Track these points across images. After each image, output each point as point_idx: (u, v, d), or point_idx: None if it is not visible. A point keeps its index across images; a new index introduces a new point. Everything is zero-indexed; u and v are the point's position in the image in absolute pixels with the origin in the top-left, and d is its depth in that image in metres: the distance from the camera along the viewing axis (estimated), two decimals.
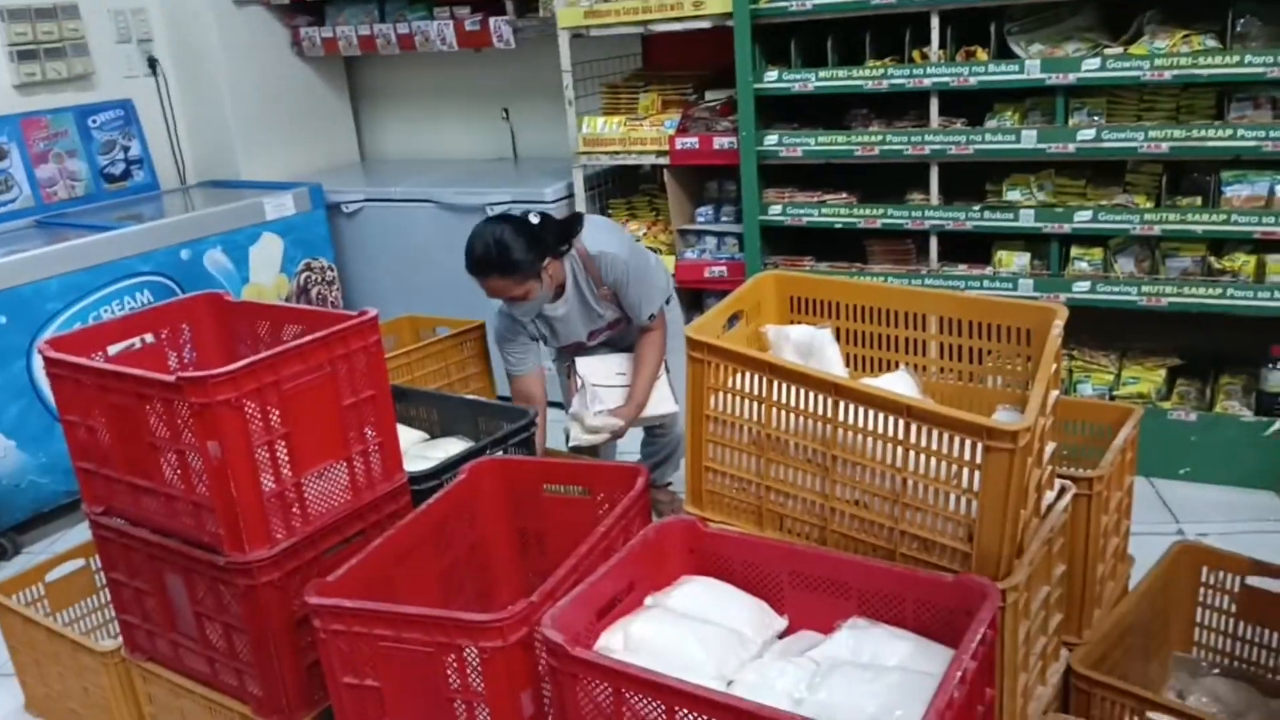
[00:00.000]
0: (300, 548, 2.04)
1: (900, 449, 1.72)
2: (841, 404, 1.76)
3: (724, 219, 3.97)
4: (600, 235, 2.87)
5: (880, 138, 3.48)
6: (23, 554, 3.65)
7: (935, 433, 1.68)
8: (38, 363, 3.48)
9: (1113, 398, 3.40)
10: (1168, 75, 3.07)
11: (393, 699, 1.79)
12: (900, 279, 3.56)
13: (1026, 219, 3.34)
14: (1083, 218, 3.27)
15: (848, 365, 2.13)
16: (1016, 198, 3.39)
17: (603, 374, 3.01)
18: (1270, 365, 3.24)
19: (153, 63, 4.70)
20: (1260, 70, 2.95)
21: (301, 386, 2.00)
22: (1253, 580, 2.27)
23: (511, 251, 2.65)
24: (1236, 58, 2.97)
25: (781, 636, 1.80)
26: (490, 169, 4.80)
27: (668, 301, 3.05)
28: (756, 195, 3.70)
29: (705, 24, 3.63)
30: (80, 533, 3.58)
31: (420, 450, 2.66)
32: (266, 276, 4.31)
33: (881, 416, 1.72)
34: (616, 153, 3.97)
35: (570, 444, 2.96)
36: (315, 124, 5.11)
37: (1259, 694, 2.24)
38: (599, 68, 4.21)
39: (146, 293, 3.88)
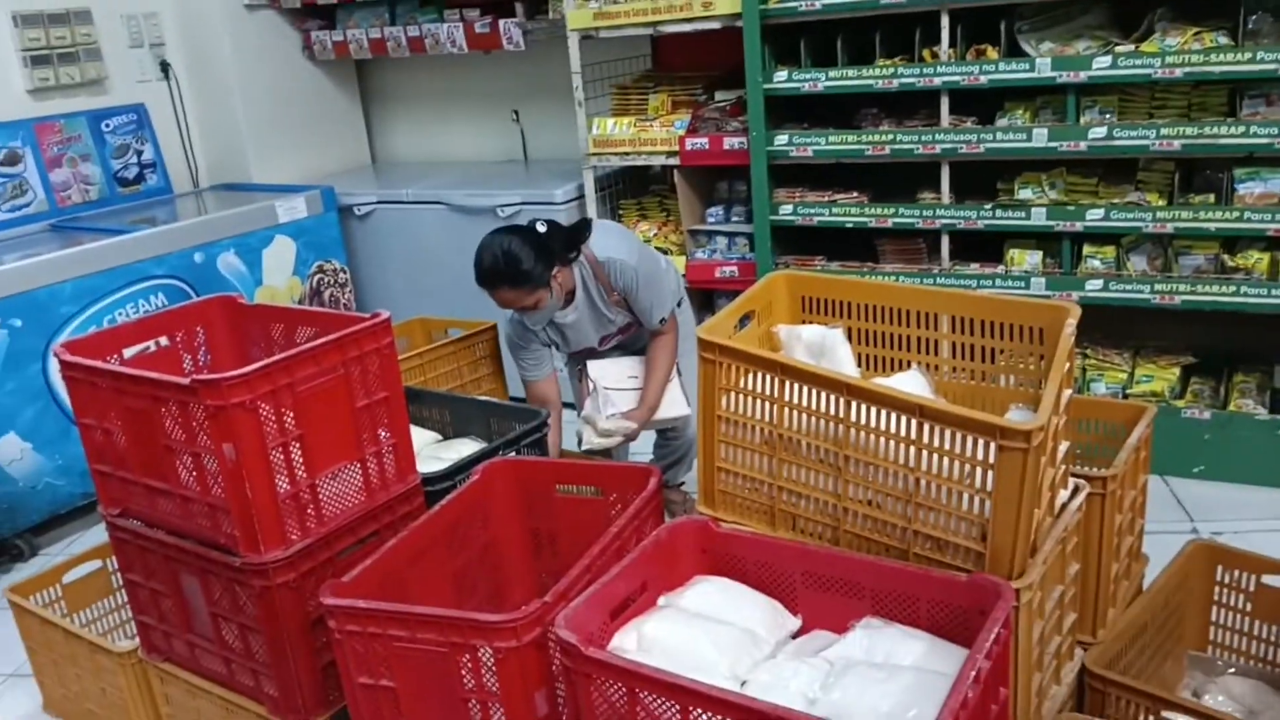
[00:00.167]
0: (315, 549, 2.05)
1: (913, 449, 1.72)
2: (854, 404, 1.76)
3: (735, 219, 3.97)
4: (609, 241, 2.87)
5: (891, 137, 3.47)
6: (40, 555, 3.68)
7: (948, 432, 1.67)
8: (54, 366, 3.51)
9: (1126, 396, 3.39)
10: (1179, 73, 3.06)
11: (408, 699, 1.79)
12: (912, 278, 3.56)
13: (1038, 217, 3.34)
14: (1095, 216, 3.26)
15: (860, 365, 2.13)
16: (1028, 196, 3.39)
17: (615, 377, 3.02)
18: None
19: (165, 67, 4.72)
20: (1272, 67, 2.94)
21: (315, 389, 2.01)
22: (1268, 579, 2.27)
23: (520, 262, 2.65)
24: (1248, 55, 2.96)
25: (795, 636, 1.80)
26: (501, 171, 4.81)
27: (679, 304, 3.05)
28: (767, 195, 3.70)
29: (715, 24, 3.63)
30: (97, 534, 3.60)
31: (433, 451, 2.67)
32: (279, 279, 4.33)
33: (894, 416, 1.72)
34: (627, 154, 3.98)
35: (583, 447, 2.96)
36: (326, 127, 5.14)
37: (1275, 692, 2.23)
38: (609, 69, 4.22)
39: (161, 296, 3.90)
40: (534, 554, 2.31)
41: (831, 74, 3.49)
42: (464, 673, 1.72)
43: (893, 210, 3.55)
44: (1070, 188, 3.36)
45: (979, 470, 1.66)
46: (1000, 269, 3.49)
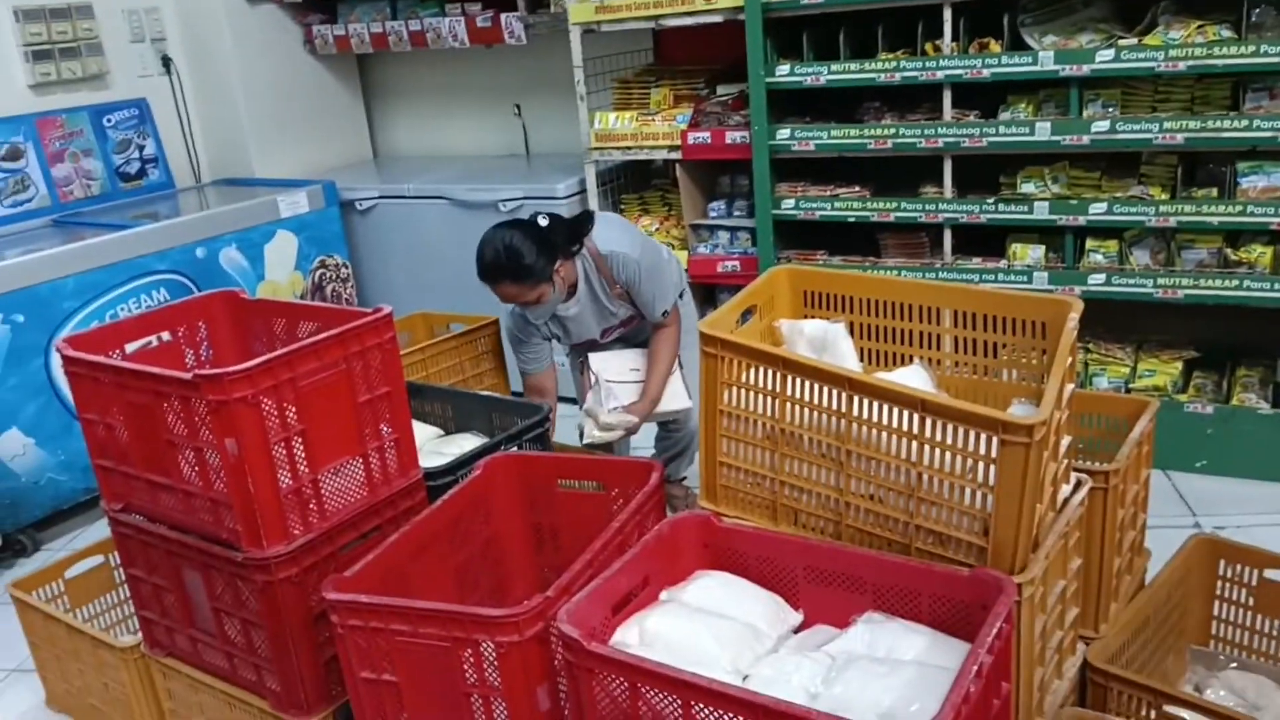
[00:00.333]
0: (317, 543, 2.05)
1: (915, 443, 1.71)
2: (856, 398, 1.76)
3: (736, 213, 3.97)
4: (611, 233, 2.87)
5: (893, 131, 3.47)
6: (42, 551, 3.68)
7: (950, 427, 1.67)
8: (56, 361, 3.51)
9: (1129, 391, 3.38)
10: (1182, 66, 3.05)
11: (410, 694, 1.80)
12: (914, 273, 3.55)
13: (1041, 211, 3.33)
14: (1097, 210, 3.25)
15: (862, 360, 2.13)
16: (1030, 190, 3.38)
17: (616, 370, 3.02)
18: None
19: (167, 62, 4.72)
20: (1276, 60, 2.93)
21: (317, 383, 2.01)
22: (1271, 573, 2.27)
23: (523, 257, 2.65)
24: (1252, 48, 2.95)
25: (797, 631, 1.80)
26: (502, 165, 4.80)
27: (680, 295, 3.04)
28: (769, 189, 3.69)
29: (717, 18, 3.62)
30: (99, 529, 3.61)
31: (435, 446, 2.67)
32: (281, 274, 4.33)
33: (896, 411, 1.72)
34: (629, 148, 3.97)
35: (585, 441, 2.96)
36: (328, 121, 5.13)
37: (1278, 687, 2.23)
38: (610, 63, 4.21)
39: (163, 291, 3.90)
40: (536, 549, 2.31)
41: (834, 68, 3.48)
42: (466, 667, 1.73)
43: (895, 204, 3.55)
44: (1073, 182, 3.36)
45: (981, 465, 1.66)
46: (1003, 263, 3.49)
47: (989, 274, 3.47)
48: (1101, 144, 3.20)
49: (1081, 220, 3.29)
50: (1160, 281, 3.23)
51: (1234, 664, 2.31)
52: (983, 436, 1.64)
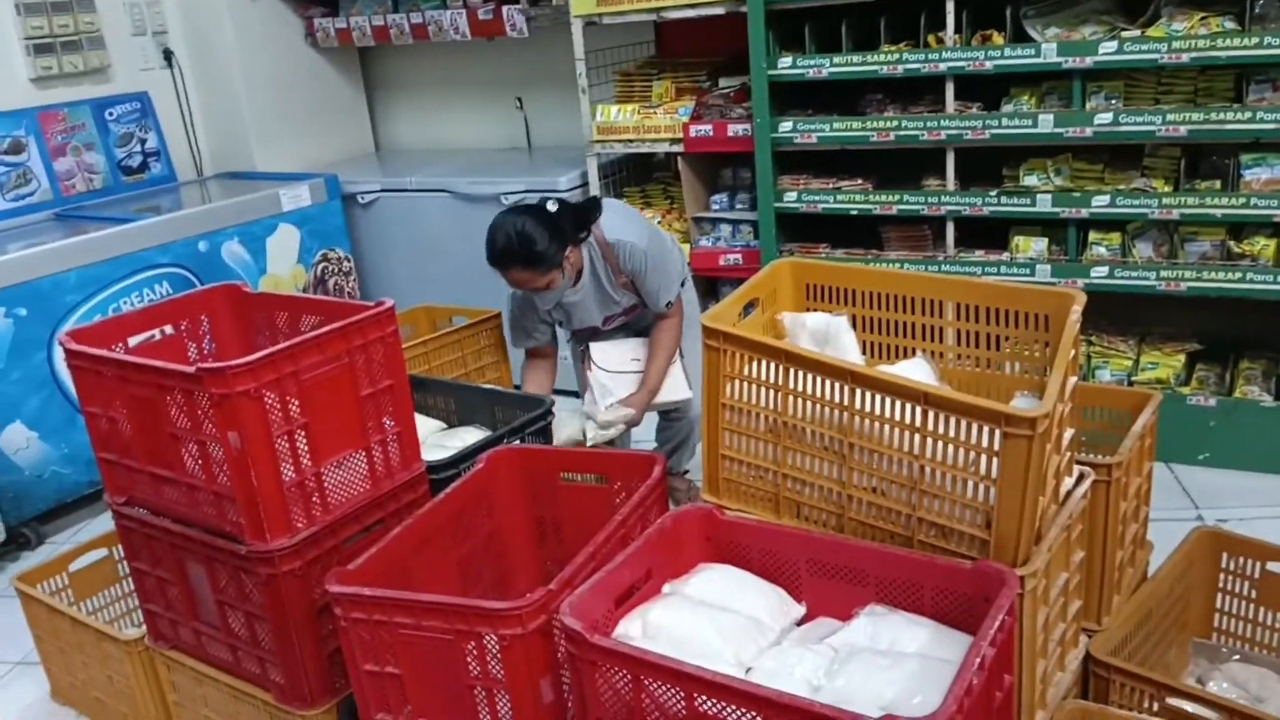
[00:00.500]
0: (320, 536, 2.06)
1: (918, 436, 1.72)
2: (858, 391, 1.76)
3: (739, 206, 3.97)
4: (618, 222, 2.87)
5: (896, 123, 3.46)
6: (46, 544, 3.69)
7: (953, 419, 1.67)
8: (59, 354, 3.51)
9: (1131, 383, 3.38)
10: (1186, 58, 3.04)
11: (413, 686, 1.80)
12: (917, 265, 3.55)
13: (1044, 204, 3.33)
14: (1100, 202, 3.25)
15: (864, 352, 2.13)
16: (1033, 183, 3.38)
17: (617, 360, 3.02)
18: None
19: (168, 55, 4.71)
20: (1279, 52, 2.92)
21: (320, 377, 2.01)
22: (1273, 565, 2.27)
23: (535, 243, 2.64)
24: (1255, 39, 2.95)
25: (799, 624, 1.80)
26: (504, 158, 4.80)
27: (683, 284, 3.04)
28: (771, 182, 3.69)
29: (719, 10, 3.62)
30: (103, 523, 3.61)
31: (438, 439, 2.67)
32: (283, 267, 4.33)
33: (899, 403, 1.72)
34: (630, 141, 3.96)
35: (588, 443, 2.95)
36: (330, 115, 5.13)
37: None
38: (612, 55, 4.21)
39: (165, 284, 3.90)
40: (538, 542, 2.31)
41: (836, 60, 3.48)
42: (469, 660, 1.73)
43: (897, 197, 3.54)
44: (1076, 174, 3.35)
45: (984, 457, 1.66)
46: (1005, 256, 3.48)
47: (991, 267, 3.46)
48: (1104, 136, 3.19)
49: (1084, 213, 3.28)
50: (1163, 274, 3.23)
51: (1236, 656, 2.31)
52: (985, 429, 1.64)
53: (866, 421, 1.77)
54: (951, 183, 3.47)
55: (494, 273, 2.75)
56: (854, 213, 3.63)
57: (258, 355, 1.91)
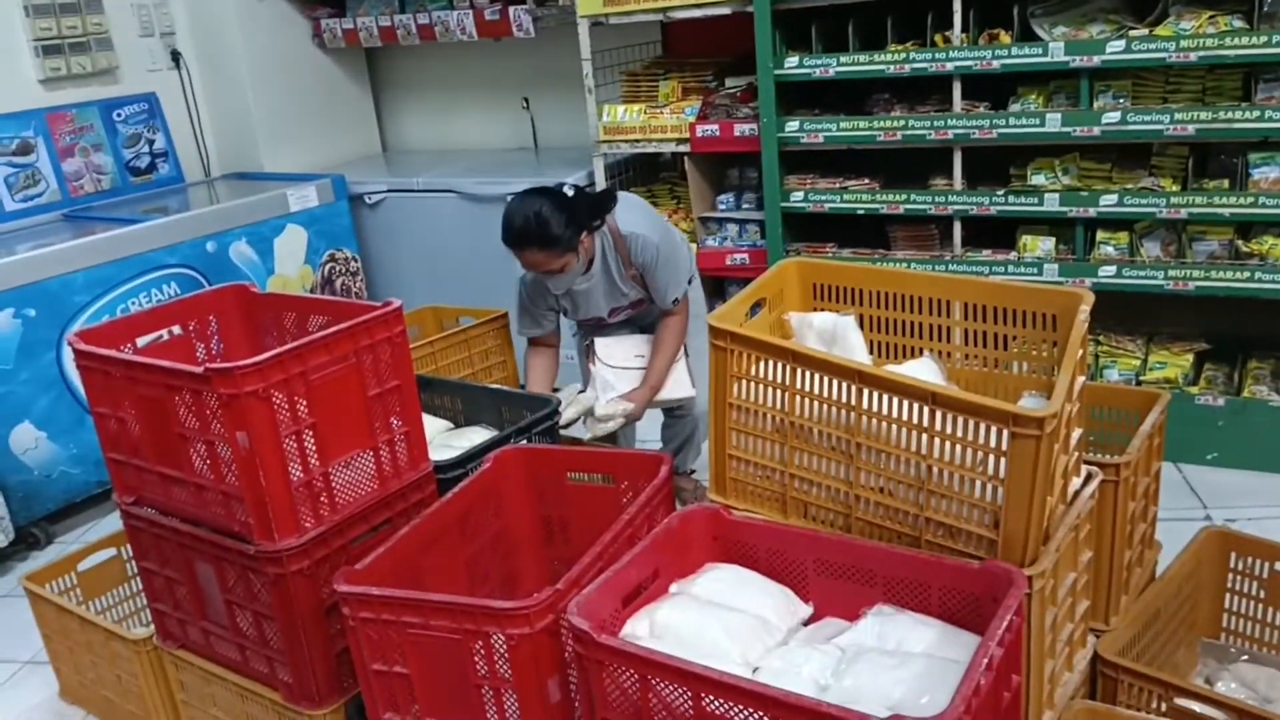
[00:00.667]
0: (328, 536, 2.06)
1: (925, 436, 1.71)
2: (866, 391, 1.76)
3: (745, 206, 3.96)
4: (632, 215, 2.88)
5: (903, 123, 3.46)
6: (55, 544, 3.70)
7: (960, 419, 1.67)
8: (67, 355, 3.52)
9: (1139, 383, 3.37)
10: (1194, 57, 3.03)
11: (421, 686, 1.80)
12: (924, 265, 3.55)
13: (1051, 203, 3.32)
14: (1108, 201, 3.24)
15: (871, 352, 2.12)
16: (1041, 182, 3.37)
17: (621, 356, 3.02)
18: None
19: (176, 56, 4.73)
20: None
21: (328, 377, 2.02)
22: None
23: (551, 226, 2.65)
24: (1264, 38, 2.94)
25: (807, 623, 1.80)
26: (511, 159, 4.81)
27: (690, 281, 3.04)
28: (778, 182, 3.68)
29: (725, 10, 3.62)
30: (111, 522, 3.62)
31: (445, 439, 2.68)
32: (291, 268, 4.34)
33: (906, 403, 1.72)
34: (637, 141, 3.97)
35: (587, 437, 2.96)
36: (337, 115, 5.14)
37: None
38: (619, 56, 4.21)
39: (173, 285, 3.91)
40: (546, 541, 2.31)
41: (843, 59, 3.47)
42: (477, 659, 1.73)
43: (904, 197, 3.54)
44: (1083, 173, 3.34)
45: (991, 457, 1.66)
46: (1013, 255, 3.48)
47: (999, 266, 3.46)
48: (1112, 135, 3.19)
49: (1092, 212, 3.27)
50: (1171, 273, 3.22)
51: (1245, 656, 2.31)
52: (993, 429, 1.64)
53: (874, 421, 1.77)
54: (959, 182, 3.47)
55: (499, 272, 2.76)
56: (861, 212, 3.63)
57: (266, 355, 1.91)
